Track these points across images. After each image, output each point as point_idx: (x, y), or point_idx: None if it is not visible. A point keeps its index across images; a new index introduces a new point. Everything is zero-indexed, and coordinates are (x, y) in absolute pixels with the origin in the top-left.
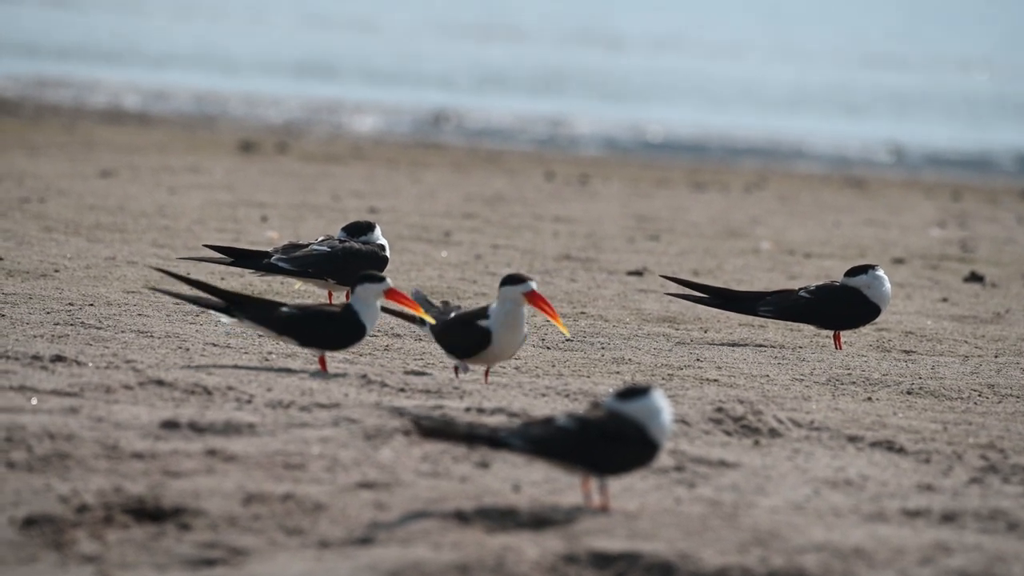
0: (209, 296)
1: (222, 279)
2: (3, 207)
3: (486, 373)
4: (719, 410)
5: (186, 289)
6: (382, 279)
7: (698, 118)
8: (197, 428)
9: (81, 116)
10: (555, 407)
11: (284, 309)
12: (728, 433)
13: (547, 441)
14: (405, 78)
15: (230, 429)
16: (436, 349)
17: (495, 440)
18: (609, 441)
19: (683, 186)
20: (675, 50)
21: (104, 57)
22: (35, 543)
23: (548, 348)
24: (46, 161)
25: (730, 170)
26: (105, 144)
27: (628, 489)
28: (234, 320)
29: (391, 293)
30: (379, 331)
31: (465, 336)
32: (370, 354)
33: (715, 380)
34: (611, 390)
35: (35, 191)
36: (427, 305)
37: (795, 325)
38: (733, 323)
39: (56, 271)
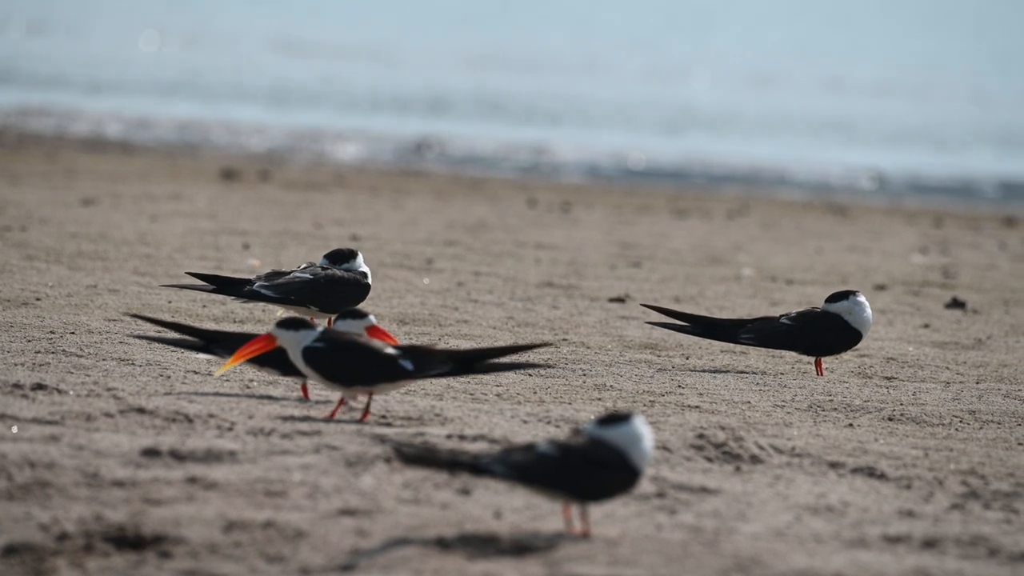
0: (187, 336)
1: (204, 307)
2: None
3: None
4: (700, 436)
5: (167, 330)
6: (364, 315)
7: (680, 145)
8: (178, 456)
9: (63, 145)
10: (537, 434)
11: None
12: (709, 459)
13: (528, 467)
14: (387, 106)
15: (211, 457)
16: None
17: (477, 467)
18: (590, 467)
19: (665, 213)
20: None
21: (86, 86)
22: (15, 572)
23: (530, 375)
24: (28, 189)
25: (712, 197)
26: (87, 172)
27: (609, 516)
28: (215, 357)
29: (373, 330)
30: None
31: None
32: None
33: (696, 407)
34: (592, 417)
35: (16, 219)
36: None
37: (777, 352)
38: (715, 350)
39: (37, 299)
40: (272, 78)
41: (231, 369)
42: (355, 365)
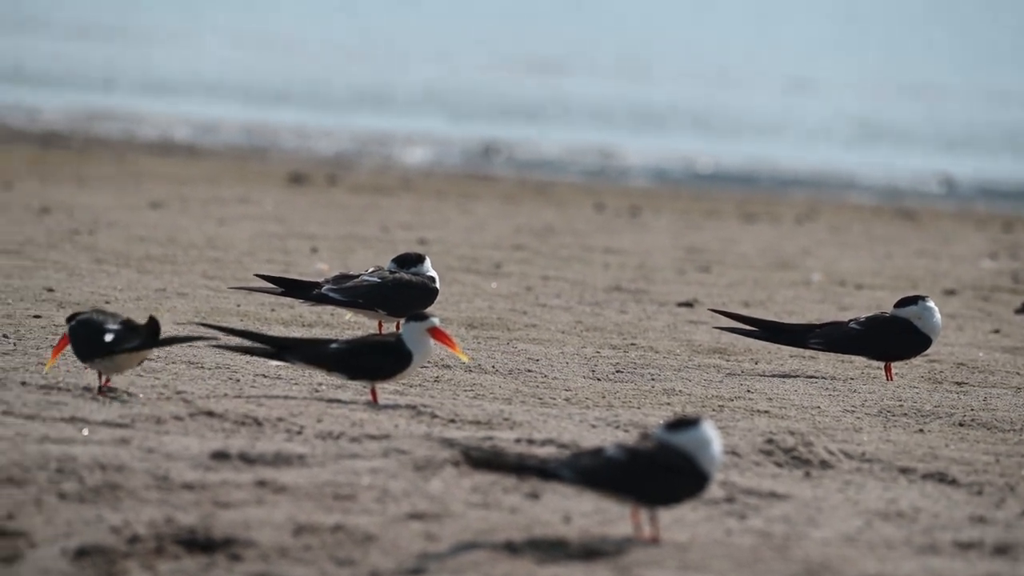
0: (258, 344)
1: (272, 310)
2: (54, 239)
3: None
4: (770, 441)
5: (235, 338)
6: (427, 317)
7: (748, 149)
8: (248, 459)
9: (131, 148)
10: (605, 438)
11: (333, 345)
12: (779, 464)
13: (597, 472)
14: (456, 110)
15: (280, 460)
16: (488, 380)
17: (545, 471)
18: (658, 472)
19: (733, 217)
20: (725, 82)
21: (154, 89)
22: (87, 574)
23: (599, 379)
24: (96, 193)
25: (780, 201)
26: (155, 176)
27: (679, 520)
28: (285, 364)
29: (435, 331)
30: (430, 363)
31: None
32: (420, 385)
33: (766, 411)
34: (661, 421)
35: (85, 223)
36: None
37: (846, 357)
38: (784, 354)
39: (107, 302)
40: (339, 82)
41: (300, 373)
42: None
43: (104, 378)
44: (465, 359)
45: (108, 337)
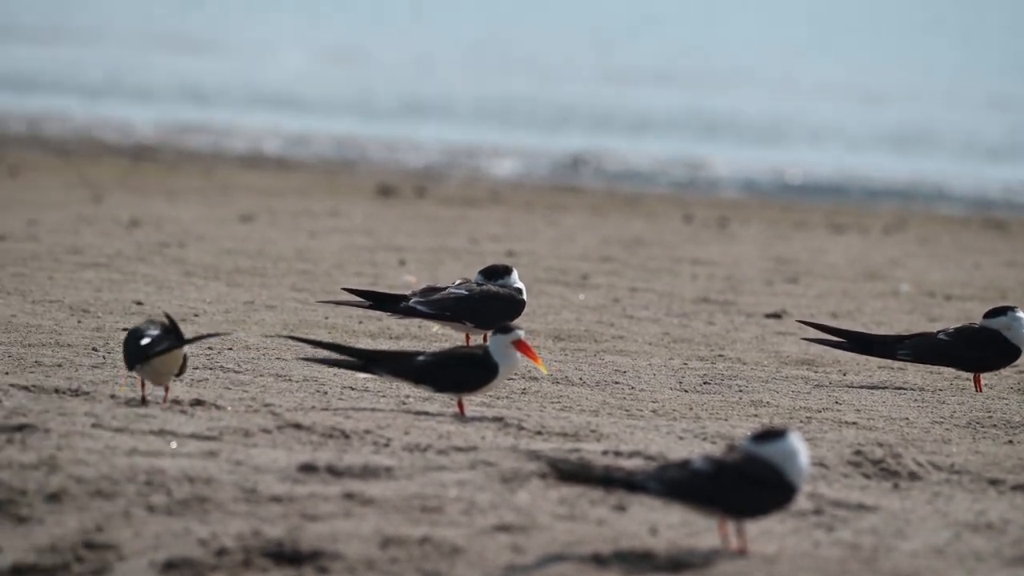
0: (345, 357)
1: (360, 323)
2: (143, 252)
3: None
4: (858, 453)
5: (323, 350)
6: (512, 329)
7: (837, 160)
8: (335, 471)
9: (220, 161)
10: (692, 450)
11: (419, 358)
12: (867, 476)
13: (683, 484)
14: (544, 121)
15: (368, 472)
16: (575, 392)
17: (632, 483)
18: (745, 484)
19: (822, 228)
20: (813, 92)
21: (244, 102)
22: None
23: (686, 391)
24: (185, 206)
25: (869, 212)
26: (244, 189)
27: (766, 532)
28: (373, 376)
29: (519, 344)
30: (517, 375)
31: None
32: (507, 397)
33: (854, 423)
34: (748, 433)
35: (174, 236)
36: None
37: (934, 368)
38: (872, 366)
39: (195, 315)
40: (427, 93)
41: (387, 385)
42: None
43: (147, 387)
44: (545, 371)
45: (143, 342)
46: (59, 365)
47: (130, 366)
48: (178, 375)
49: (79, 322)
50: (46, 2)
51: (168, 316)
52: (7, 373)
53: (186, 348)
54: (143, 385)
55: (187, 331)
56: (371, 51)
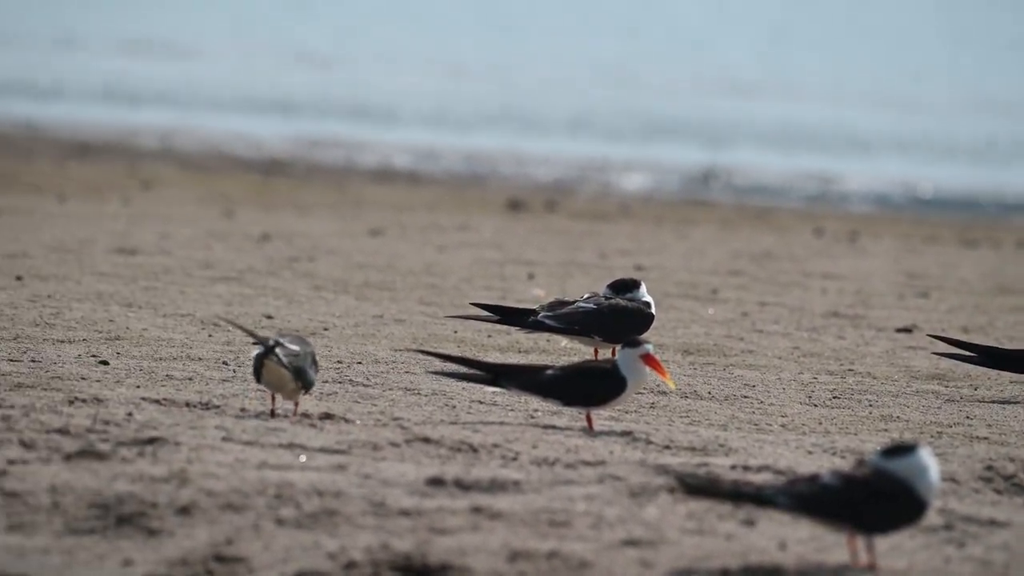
0: (474, 370)
1: (489, 336)
2: (274, 266)
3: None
4: (989, 468)
5: (452, 364)
6: (640, 343)
7: (970, 174)
8: (463, 485)
9: (351, 176)
10: (822, 464)
11: (548, 372)
12: (998, 492)
13: (813, 499)
14: (674, 135)
15: (495, 486)
16: (704, 407)
17: (761, 498)
18: (875, 499)
19: (953, 242)
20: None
21: (375, 117)
22: None
23: (815, 405)
24: (316, 220)
25: (1003, 226)
26: (375, 203)
27: (896, 548)
28: (501, 390)
29: (647, 358)
30: (645, 389)
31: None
32: (635, 411)
33: (985, 438)
34: (878, 448)
35: (305, 250)
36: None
37: None
38: (1004, 380)
39: (325, 329)
40: (558, 107)
41: (516, 399)
42: None
43: (275, 400)
44: (673, 386)
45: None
46: (190, 379)
47: (257, 378)
48: (304, 390)
49: (210, 336)
50: (177, 18)
51: (233, 323)
52: (138, 387)
53: (297, 362)
54: (272, 399)
55: (316, 346)
56: (503, 67)
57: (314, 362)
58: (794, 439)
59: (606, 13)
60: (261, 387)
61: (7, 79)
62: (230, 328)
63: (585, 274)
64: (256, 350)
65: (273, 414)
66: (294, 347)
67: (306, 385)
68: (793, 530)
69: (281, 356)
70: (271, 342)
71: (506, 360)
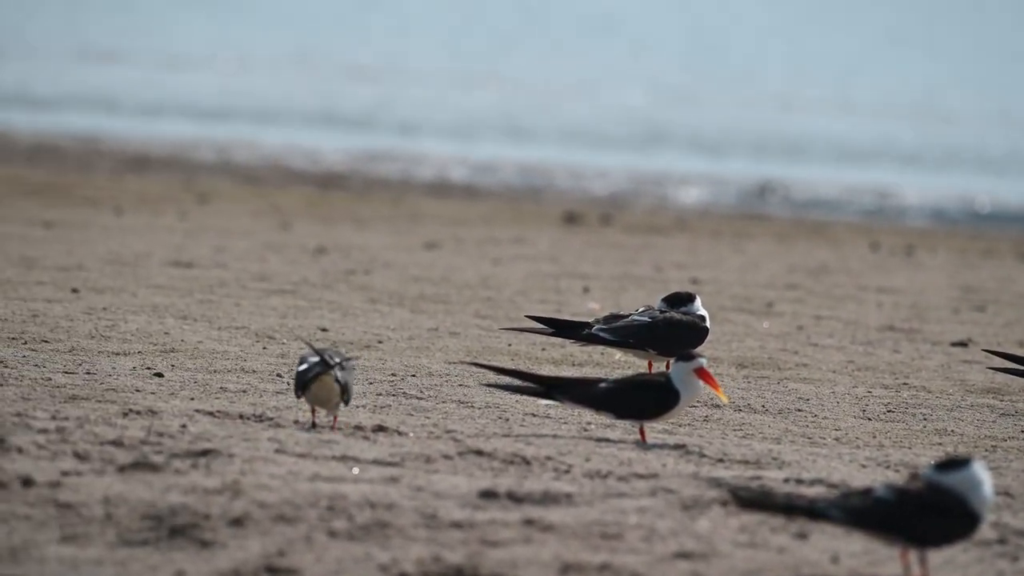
0: (527, 383)
1: (543, 349)
2: (330, 279)
3: None
4: None
5: (505, 377)
6: (694, 357)
7: None
8: (515, 498)
9: (408, 189)
10: (875, 478)
11: (601, 385)
12: None
13: (865, 512)
14: (731, 149)
15: (548, 499)
16: (758, 420)
17: (813, 511)
18: (928, 513)
19: (1011, 257)
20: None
21: (433, 131)
22: None
23: (869, 419)
24: (372, 234)
25: None
26: (431, 216)
27: (949, 562)
28: (555, 403)
29: (701, 372)
30: (699, 402)
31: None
32: (689, 425)
33: None
34: (932, 462)
35: (361, 263)
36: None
37: None
38: None
39: (379, 342)
40: (615, 122)
41: (569, 412)
42: None
43: (315, 414)
44: (725, 400)
45: (302, 367)
46: (244, 391)
47: (297, 393)
48: (344, 403)
49: (264, 348)
50: (237, 32)
51: (307, 343)
52: (193, 399)
53: (344, 376)
54: (313, 411)
55: (370, 358)
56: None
57: (353, 374)
58: (848, 453)
59: (658, 35)
60: (303, 400)
61: (64, 92)
62: (284, 341)
63: (640, 287)
64: (304, 365)
65: (314, 425)
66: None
67: (347, 399)
68: (846, 544)
69: (337, 373)
70: (333, 359)
71: (560, 373)
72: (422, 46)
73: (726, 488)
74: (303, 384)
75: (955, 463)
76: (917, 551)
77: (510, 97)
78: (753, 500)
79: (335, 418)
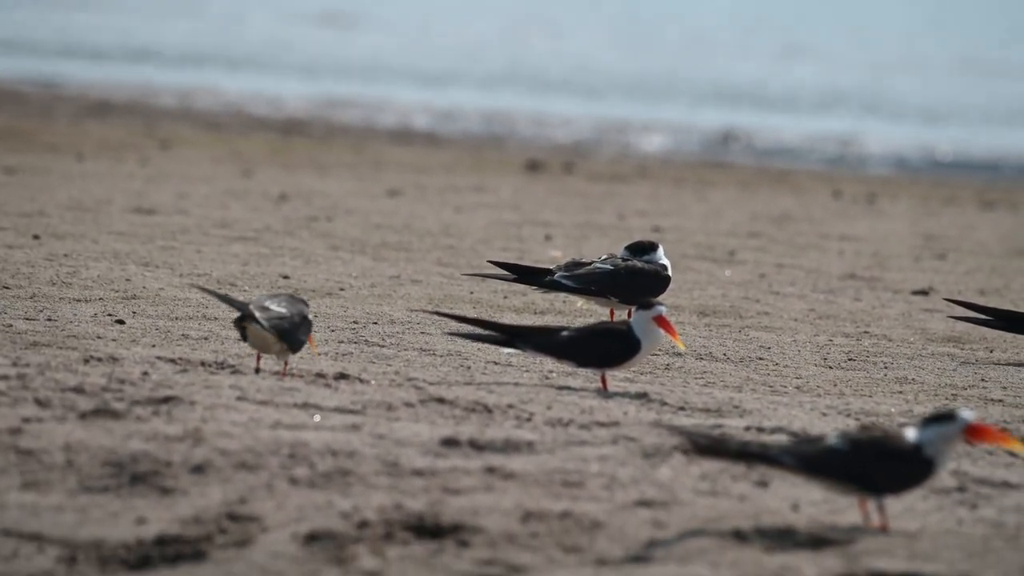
0: (490, 331)
1: (505, 297)
2: (291, 226)
3: None
4: (1003, 430)
5: (467, 325)
6: (653, 305)
7: (991, 136)
8: (477, 446)
9: (370, 136)
10: (836, 427)
11: (563, 333)
12: (1012, 454)
13: (817, 459)
14: (694, 97)
15: (509, 447)
16: (719, 368)
17: (766, 456)
18: (881, 460)
19: (972, 205)
20: (969, 69)
21: (394, 77)
22: (317, 558)
23: (830, 367)
24: (334, 180)
25: (1021, 189)
26: (393, 164)
27: (909, 510)
28: (516, 351)
29: (659, 319)
30: (661, 350)
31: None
32: (651, 373)
33: (1000, 400)
34: (892, 410)
35: (323, 210)
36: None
37: None
38: (1020, 344)
39: (341, 289)
40: (578, 69)
41: (531, 360)
42: None
43: (260, 359)
44: (682, 348)
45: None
46: (205, 338)
47: (243, 339)
48: (291, 350)
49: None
50: None
51: (211, 292)
52: (154, 346)
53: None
54: (258, 358)
55: (332, 306)
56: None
57: (305, 321)
58: (809, 401)
59: None
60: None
61: (25, 37)
62: (246, 288)
63: (603, 236)
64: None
65: (257, 371)
66: (280, 309)
67: (292, 346)
68: (806, 492)
69: (262, 320)
70: (249, 308)
71: (521, 321)
72: None
73: (684, 435)
74: (240, 333)
75: (937, 418)
76: (874, 499)
77: (474, 45)
78: (708, 447)
79: (285, 364)
